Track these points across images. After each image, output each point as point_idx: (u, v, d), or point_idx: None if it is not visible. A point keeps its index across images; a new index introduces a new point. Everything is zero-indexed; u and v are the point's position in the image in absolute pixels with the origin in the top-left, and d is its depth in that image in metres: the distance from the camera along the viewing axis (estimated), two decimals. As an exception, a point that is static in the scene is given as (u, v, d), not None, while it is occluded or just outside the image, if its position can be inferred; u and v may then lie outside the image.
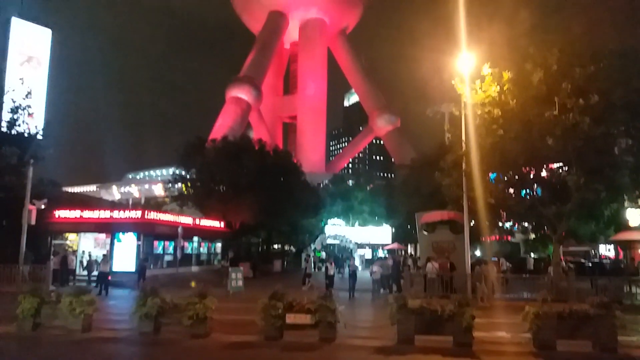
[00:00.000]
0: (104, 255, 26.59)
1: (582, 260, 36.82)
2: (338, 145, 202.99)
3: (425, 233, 26.17)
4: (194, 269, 35.66)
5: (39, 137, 26.43)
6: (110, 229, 29.49)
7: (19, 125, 26.43)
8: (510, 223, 26.29)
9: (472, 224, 24.40)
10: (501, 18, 20.68)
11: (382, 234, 56.72)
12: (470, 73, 21.61)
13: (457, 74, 21.97)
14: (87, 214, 30.48)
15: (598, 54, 19.92)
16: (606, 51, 20.17)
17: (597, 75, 19.01)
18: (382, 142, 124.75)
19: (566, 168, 20.93)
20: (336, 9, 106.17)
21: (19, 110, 26.46)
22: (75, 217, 30.37)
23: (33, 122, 27.57)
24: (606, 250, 46.62)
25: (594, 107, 18.41)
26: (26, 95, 27.10)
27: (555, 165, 21.84)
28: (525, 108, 19.86)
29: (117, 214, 30.65)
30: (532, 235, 30.80)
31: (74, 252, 29.27)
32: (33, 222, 25.33)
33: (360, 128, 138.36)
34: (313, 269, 44.24)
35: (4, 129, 26.11)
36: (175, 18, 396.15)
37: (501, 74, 20.40)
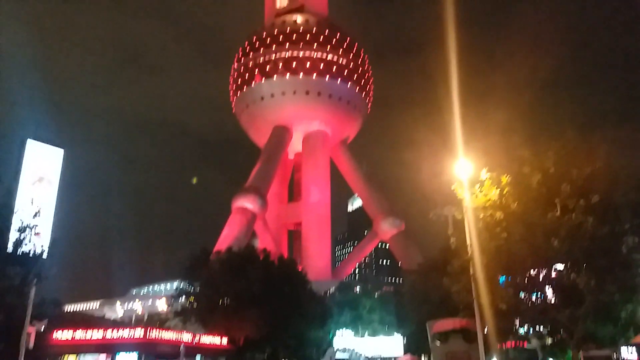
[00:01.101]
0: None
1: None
2: (344, 250, 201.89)
3: (438, 343, 25.12)
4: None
5: (44, 256, 26.38)
6: (111, 349, 28.45)
7: (25, 245, 26.49)
8: (525, 328, 25.25)
9: (485, 331, 23.44)
10: (496, 130, 21.52)
11: (393, 344, 54.25)
12: (469, 178, 22.02)
13: (456, 179, 22.39)
14: (87, 334, 29.58)
15: (593, 155, 20.33)
16: (601, 151, 20.57)
17: (595, 175, 19.33)
18: (388, 245, 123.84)
19: (575, 269, 20.51)
20: (337, 122, 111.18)
21: (26, 230, 26.67)
22: (74, 338, 29.43)
23: (39, 241, 27.63)
24: (629, 354, 44.22)
25: (595, 206, 18.49)
26: (34, 215, 27.44)
27: (561, 267, 21.41)
28: (527, 210, 19.95)
29: (117, 333, 29.73)
30: (549, 340, 29.43)
31: None
32: (31, 345, 24.50)
33: (365, 232, 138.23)
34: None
35: (10, 249, 26.14)
36: (184, 134, 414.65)
37: (500, 178, 20.77)
